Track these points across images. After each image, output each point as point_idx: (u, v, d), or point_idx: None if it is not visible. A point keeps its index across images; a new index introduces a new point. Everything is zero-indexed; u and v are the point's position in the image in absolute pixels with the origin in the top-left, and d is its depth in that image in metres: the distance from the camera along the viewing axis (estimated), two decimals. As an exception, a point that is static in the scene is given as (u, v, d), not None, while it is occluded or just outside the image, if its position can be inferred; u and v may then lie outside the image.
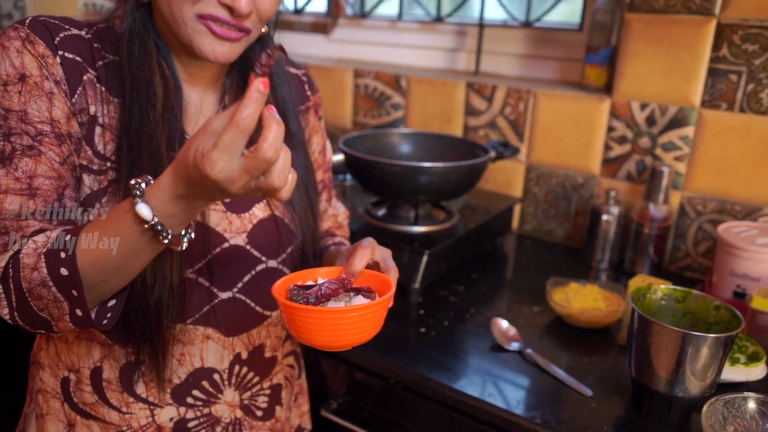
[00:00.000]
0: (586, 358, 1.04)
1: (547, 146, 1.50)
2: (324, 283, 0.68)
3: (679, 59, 1.30)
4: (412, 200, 1.27)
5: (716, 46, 1.26)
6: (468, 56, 1.71)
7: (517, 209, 1.58)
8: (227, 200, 0.82)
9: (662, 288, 0.95)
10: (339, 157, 1.28)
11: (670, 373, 0.86)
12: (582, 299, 1.14)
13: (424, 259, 1.17)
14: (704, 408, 0.81)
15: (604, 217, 1.36)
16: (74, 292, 0.65)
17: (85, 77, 0.74)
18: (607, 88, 1.44)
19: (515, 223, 1.59)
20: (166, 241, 0.62)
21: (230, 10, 0.72)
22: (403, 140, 1.46)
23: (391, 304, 0.68)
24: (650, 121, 1.36)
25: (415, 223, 1.28)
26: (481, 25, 1.63)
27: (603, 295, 1.16)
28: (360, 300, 0.66)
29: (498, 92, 1.54)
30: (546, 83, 1.56)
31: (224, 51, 0.74)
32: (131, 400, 0.82)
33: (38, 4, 1.99)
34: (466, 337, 1.09)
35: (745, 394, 0.84)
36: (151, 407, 0.83)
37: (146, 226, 0.61)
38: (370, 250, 0.73)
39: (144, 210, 0.60)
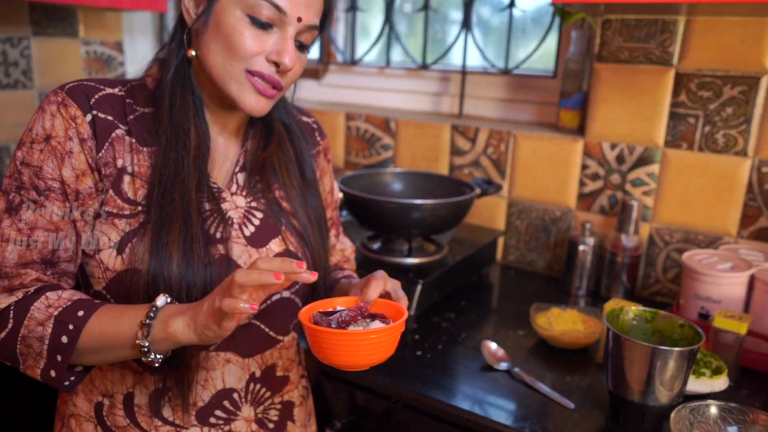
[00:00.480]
0: (568, 376, 1.15)
1: (527, 183, 1.63)
2: (344, 310, 0.77)
3: (644, 104, 1.44)
4: (405, 234, 1.38)
5: (675, 93, 1.41)
6: (452, 100, 1.85)
7: (500, 242, 1.69)
8: (248, 235, 0.92)
9: (633, 309, 1.06)
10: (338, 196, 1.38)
11: (642, 384, 0.97)
12: (563, 322, 1.25)
13: (419, 288, 1.28)
14: (672, 414, 0.92)
15: (581, 248, 1.48)
16: (59, 357, 0.78)
17: (114, 134, 0.83)
18: (580, 130, 1.58)
19: (499, 254, 1.71)
20: (145, 358, 0.77)
21: (276, 65, 0.84)
22: (395, 179, 1.58)
23: (403, 329, 0.78)
24: (620, 159, 1.50)
25: (409, 256, 1.39)
26: (464, 72, 1.77)
27: (582, 318, 1.27)
28: (377, 324, 0.76)
29: (481, 134, 1.67)
30: (524, 125, 1.70)
31: (261, 107, 0.86)
32: (159, 423, 0.90)
33: (42, 53, 2.09)
34: (458, 358, 1.19)
35: (708, 401, 0.94)
36: (178, 429, 0.90)
37: (140, 345, 0.76)
38: (383, 281, 0.83)
39: (142, 333, 0.76)
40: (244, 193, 0.94)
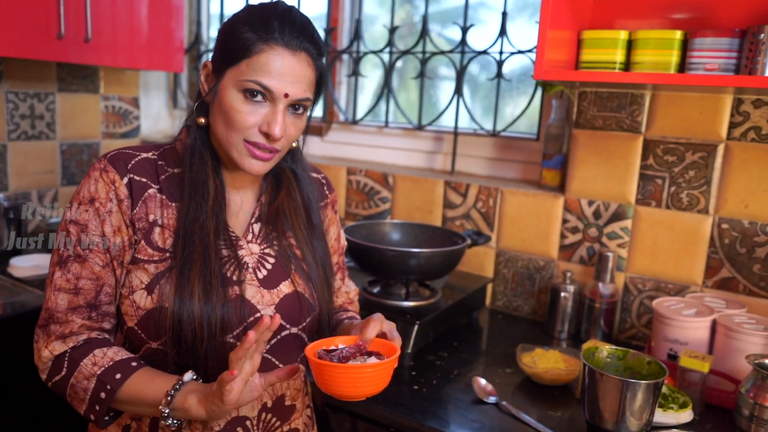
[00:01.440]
0: (550, 410, 1.27)
1: (513, 235, 1.79)
2: (344, 347, 0.91)
3: (616, 166, 1.62)
4: (403, 279, 1.52)
5: (644, 157, 1.58)
6: (445, 158, 2.02)
7: (489, 288, 1.84)
8: (261, 277, 1.05)
9: (607, 348, 1.20)
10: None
11: (614, 414, 1.10)
12: (546, 361, 1.38)
13: (415, 328, 1.41)
14: (641, 440, 1.05)
15: (562, 294, 1.63)
16: (97, 407, 0.94)
17: (147, 193, 0.98)
18: (561, 188, 1.74)
19: (488, 299, 1.85)
20: (165, 423, 0.90)
21: (267, 135, 0.97)
22: (393, 229, 1.73)
23: (396, 365, 0.90)
24: (596, 214, 1.66)
25: (406, 299, 1.52)
26: (456, 133, 1.95)
27: (563, 357, 1.40)
28: (373, 360, 0.89)
29: (471, 189, 1.84)
30: (510, 182, 1.87)
31: (259, 168, 0.99)
32: None
33: (65, 107, 2.25)
34: (452, 392, 1.31)
35: (672, 429, 1.08)
36: None
37: (162, 411, 0.90)
38: (379, 323, 0.96)
39: (165, 402, 0.89)
40: (258, 241, 1.06)
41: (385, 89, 2.09)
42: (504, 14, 1.83)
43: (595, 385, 1.12)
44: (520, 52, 1.83)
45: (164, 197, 0.99)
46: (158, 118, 2.61)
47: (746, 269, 1.50)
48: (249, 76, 0.94)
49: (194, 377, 0.92)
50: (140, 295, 0.96)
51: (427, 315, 1.46)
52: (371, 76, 2.21)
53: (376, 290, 1.59)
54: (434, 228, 1.72)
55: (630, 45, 1.45)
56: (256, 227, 1.07)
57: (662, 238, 1.58)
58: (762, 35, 1.28)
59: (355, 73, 2.14)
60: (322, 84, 1.04)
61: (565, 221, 1.71)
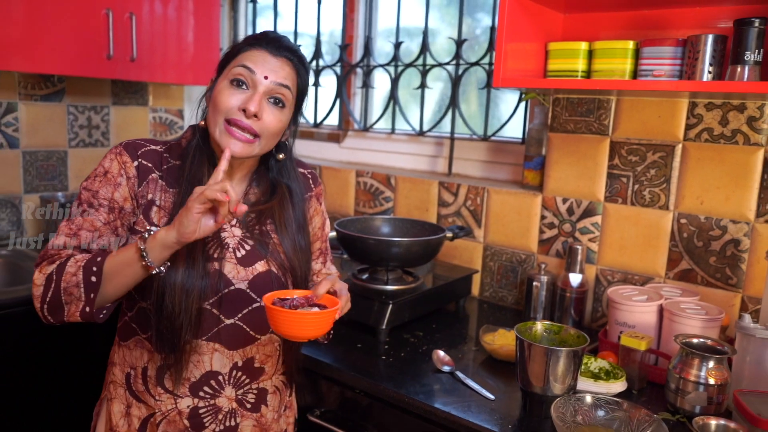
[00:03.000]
0: (500, 380, 1.43)
1: (498, 230, 1.94)
2: (297, 298, 1.10)
3: (587, 166, 1.75)
4: (385, 266, 1.71)
5: (611, 157, 1.71)
6: (444, 161, 2.20)
7: (477, 279, 2.00)
8: (239, 256, 1.21)
9: (543, 324, 1.35)
10: (332, 234, 1.74)
11: (540, 380, 1.25)
12: (504, 340, 1.54)
13: (389, 308, 1.60)
14: (555, 401, 1.19)
15: (535, 284, 1.77)
16: (92, 295, 1.07)
17: (150, 176, 1.19)
18: (540, 187, 1.89)
19: (476, 290, 2.01)
20: (144, 263, 1.05)
21: (244, 111, 1.14)
22: (385, 224, 1.92)
23: (334, 316, 1.08)
24: (570, 211, 1.80)
25: (387, 284, 1.71)
26: (452, 138, 2.13)
27: (522, 337, 1.55)
28: (315, 309, 1.08)
29: (461, 189, 2.01)
30: (501, 182, 2.03)
31: (238, 148, 1.14)
32: (161, 391, 1.18)
33: (118, 118, 2.59)
34: (415, 363, 1.49)
35: (586, 394, 1.22)
36: (175, 398, 1.18)
37: (138, 250, 1.05)
38: (331, 282, 1.12)
39: (141, 242, 1.05)
40: (241, 226, 1.24)
41: (391, 100, 2.30)
42: (492, 29, 2.00)
43: (524, 353, 1.27)
44: (506, 63, 1.99)
45: (164, 183, 1.19)
46: (201, 127, 2.91)
47: (703, 261, 1.60)
48: (235, 64, 1.15)
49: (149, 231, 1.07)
50: None
51: (403, 297, 1.64)
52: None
53: (364, 276, 1.79)
54: (423, 223, 1.90)
55: (591, 55, 1.60)
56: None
57: (628, 232, 1.70)
58: (699, 43, 1.41)
59: (365, 85, 2.36)
60: (304, 91, 1.22)
61: (543, 218, 1.86)
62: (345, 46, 2.39)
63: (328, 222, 1.45)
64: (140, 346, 1.21)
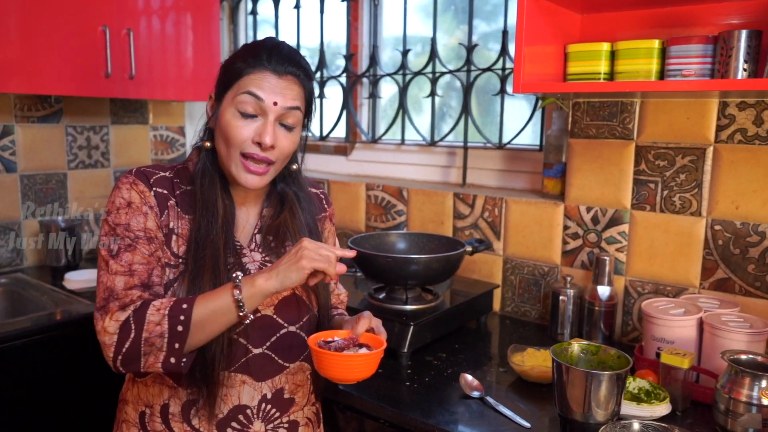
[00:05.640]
0: (533, 404, 1.34)
1: (519, 242, 1.86)
2: (340, 339, 1.08)
3: (611, 172, 1.67)
4: (403, 284, 1.62)
5: (637, 162, 1.63)
6: (457, 171, 2.12)
7: (498, 294, 1.91)
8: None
9: (580, 344, 1.26)
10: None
11: (581, 405, 1.16)
12: (534, 360, 1.45)
13: (410, 330, 1.51)
14: (601, 429, 1.10)
15: (561, 298, 1.68)
16: (177, 345, 1.00)
17: (168, 204, 1.13)
18: (561, 195, 1.81)
19: (497, 305, 1.92)
20: (241, 313, 1.01)
21: (259, 145, 1.10)
22: (401, 239, 1.84)
23: (382, 355, 1.06)
24: (595, 220, 1.72)
25: (406, 303, 1.63)
26: (465, 147, 2.04)
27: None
28: (363, 350, 1.07)
29: (478, 200, 1.93)
30: (518, 192, 1.94)
31: (254, 181, 1.12)
32: (188, 428, 1.13)
33: (118, 137, 2.51)
34: (441, 388, 1.40)
35: (633, 420, 1.13)
36: None
37: (235, 301, 1.00)
38: (368, 320, 1.12)
39: (237, 292, 1.01)
40: (260, 250, 1.20)
41: (400, 109, 2.22)
42: (505, 33, 1.92)
43: (563, 377, 1.18)
44: (520, 67, 1.91)
45: (180, 210, 1.13)
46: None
47: (741, 269, 1.51)
48: (241, 90, 1.09)
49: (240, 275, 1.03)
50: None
51: (424, 317, 1.55)
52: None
53: (381, 296, 1.70)
54: (439, 237, 1.82)
55: (614, 56, 1.52)
56: (259, 237, 1.21)
57: (658, 241, 1.62)
58: (731, 40, 1.33)
59: (372, 95, 2.28)
60: (312, 102, 1.17)
61: (566, 228, 1.77)
62: (350, 56, 2.32)
63: (338, 242, 1.40)
64: (159, 383, 1.15)
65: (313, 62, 2.41)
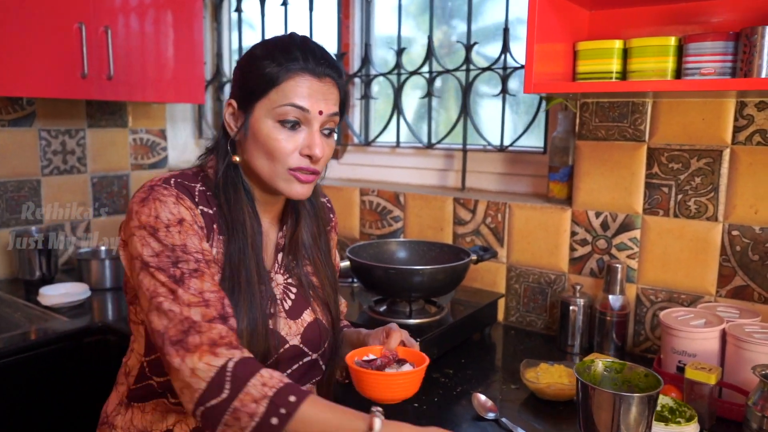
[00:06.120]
0: (552, 426, 1.25)
1: (523, 249, 1.78)
2: (376, 357, 1.04)
3: (622, 176, 1.59)
4: (406, 297, 1.53)
5: (649, 165, 1.56)
6: (456, 175, 2.03)
7: (501, 303, 1.82)
8: (287, 308, 1.08)
9: (604, 361, 1.18)
10: (346, 263, 1.55)
11: (609, 429, 1.08)
12: (549, 377, 1.36)
13: (417, 346, 1.41)
14: (633, 454, 1.02)
15: (571, 308, 1.60)
16: None
17: (213, 226, 1.01)
18: (568, 200, 1.73)
19: (501, 315, 1.83)
20: None
21: (309, 157, 1.01)
22: (400, 248, 1.74)
23: (424, 372, 1.01)
24: (604, 226, 1.64)
25: (410, 317, 1.53)
26: (464, 150, 1.96)
27: (568, 372, 1.38)
28: (407, 367, 1.02)
29: (480, 205, 1.84)
30: (520, 196, 1.86)
31: (305, 191, 1.03)
32: None
33: (95, 141, 2.38)
34: (452, 409, 1.31)
35: (668, 443, 1.05)
36: None
37: None
38: (399, 333, 1.07)
39: (378, 422, 0.84)
40: (282, 271, 1.11)
41: (395, 110, 2.12)
42: (506, 30, 1.84)
43: (588, 399, 1.10)
44: (522, 66, 1.83)
45: (217, 231, 1.02)
46: (185, 148, 2.71)
47: (760, 276, 1.45)
48: (281, 101, 0.98)
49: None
50: None
51: (430, 332, 1.46)
52: (412, 96, 2.21)
53: (382, 309, 1.60)
54: (441, 245, 1.73)
55: (626, 54, 1.44)
56: (280, 257, 1.12)
57: (672, 247, 1.55)
58: (755, 36, 1.26)
59: (365, 96, 2.18)
60: (345, 102, 1.09)
61: (573, 234, 1.69)
62: (341, 55, 2.22)
63: (338, 253, 1.31)
64: (162, 409, 1.05)
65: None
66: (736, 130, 1.44)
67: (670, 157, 1.53)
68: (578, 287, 1.62)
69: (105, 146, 2.41)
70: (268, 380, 0.86)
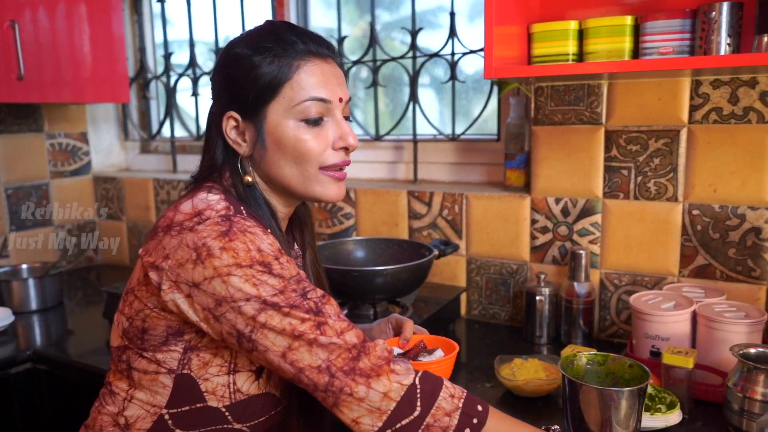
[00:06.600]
0: (533, 423, 1.20)
1: (482, 240, 1.72)
2: (409, 350, 1.09)
3: (580, 160, 1.56)
4: (370, 299, 1.44)
5: (607, 148, 1.53)
6: (407, 167, 1.95)
7: (463, 297, 1.77)
8: None
9: (586, 354, 1.14)
10: (303, 268, 1.45)
11: (599, 426, 1.03)
12: (525, 372, 1.31)
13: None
14: (629, 451, 0.98)
15: (537, 298, 1.57)
16: None
17: None
18: (526, 187, 1.69)
19: (463, 309, 1.78)
20: None
21: (344, 149, 0.92)
22: (357, 247, 1.65)
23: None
24: (565, 212, 1.61)
25: (375, 320, 1.44)
26: (415, 140, 1.88)
27: (543, 366, 1.33)
28: (439, 353, 1.10)
29: (435, 197, 1.77)
30: (475, 185, 1.81)
31: (342, 191, 0.96)
32: None
33: (8, 149, 2.15)
34: (429, 416, 1.24)
35: (657, 434, 1.01)
36: None
37: None
38: (411, 322, 1.14)
39: None
40: None
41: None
42: (452, 14, 1.77)
43: (577, 396, 1.05)
44: (471, 51, 1.78)
45: None
46: (110, 151, 2.50)
47: (722, 254, 1.45)
48: (300, 96, 0.89)
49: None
50: (245, 378, 0.90)
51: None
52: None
53: (344, 312, 1.51)
54: (399, 241, 1.65)
55: (581, 35, 1.40)
56: None
57: (634, 230, 1.53)
58: (713, 13, 1.24)
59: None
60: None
61: (533, 222, 1.65)
62: (277, 46, 2.09)
63: None
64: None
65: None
66: (693, 109, 1.43)
67: (628, 139, 1.50)
68: (542, 276, 1.58)
69: (19, 153, 2.19)
70: (453, 392, 0.86)
